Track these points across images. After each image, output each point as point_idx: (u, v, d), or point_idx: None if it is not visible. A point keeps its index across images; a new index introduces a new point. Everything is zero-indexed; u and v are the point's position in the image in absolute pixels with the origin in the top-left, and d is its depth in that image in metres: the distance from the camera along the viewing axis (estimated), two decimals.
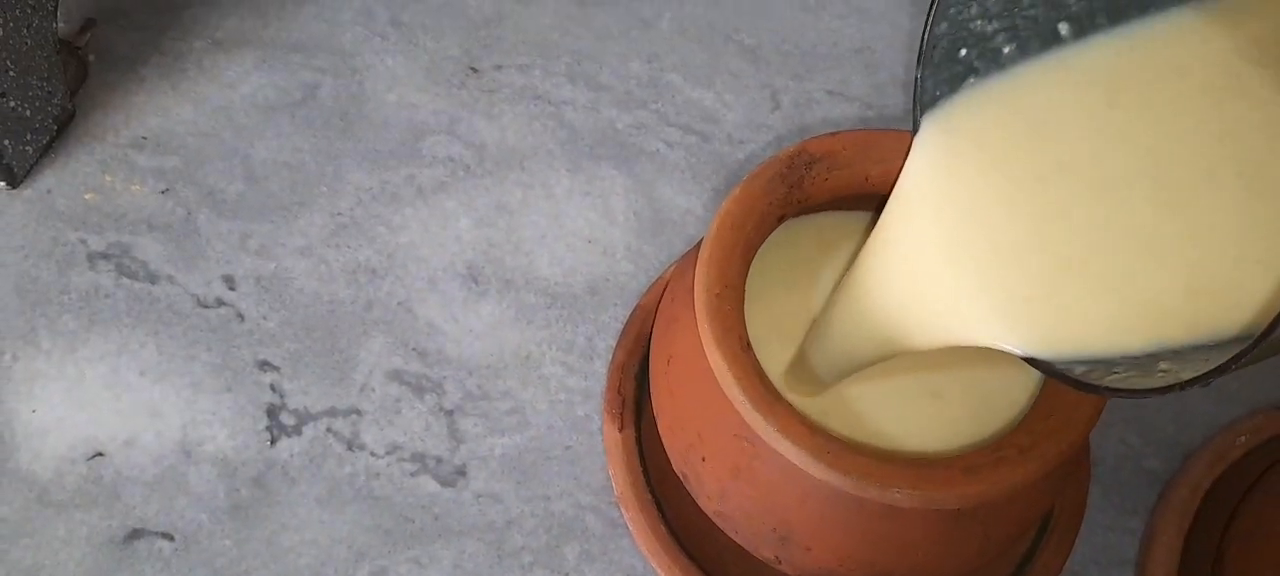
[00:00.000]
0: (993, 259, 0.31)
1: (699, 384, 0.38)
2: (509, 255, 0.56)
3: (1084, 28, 0.31)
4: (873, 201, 0.41)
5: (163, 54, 0.62)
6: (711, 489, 0.39)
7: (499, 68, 0.62)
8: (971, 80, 0.33)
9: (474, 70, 0.61)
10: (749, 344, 0.37)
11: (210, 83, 0.60)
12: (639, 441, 0.46)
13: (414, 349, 0.53)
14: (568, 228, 0.57)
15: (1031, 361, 0.31)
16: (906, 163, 0.34)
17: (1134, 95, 0.30)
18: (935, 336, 0.33)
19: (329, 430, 0.51)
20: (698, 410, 0.39)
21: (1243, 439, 0.46)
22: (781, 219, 0.40)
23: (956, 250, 0.31)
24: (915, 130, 0.34)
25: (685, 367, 0.40)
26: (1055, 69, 0.31)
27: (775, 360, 0.39)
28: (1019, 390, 0.38)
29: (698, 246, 0.46)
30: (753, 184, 0.40)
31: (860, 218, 0.42)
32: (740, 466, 0.37)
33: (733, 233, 0.38)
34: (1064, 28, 0.32)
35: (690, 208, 0.58)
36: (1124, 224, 0.29)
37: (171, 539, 0.49)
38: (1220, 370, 0.22)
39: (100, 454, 0.51)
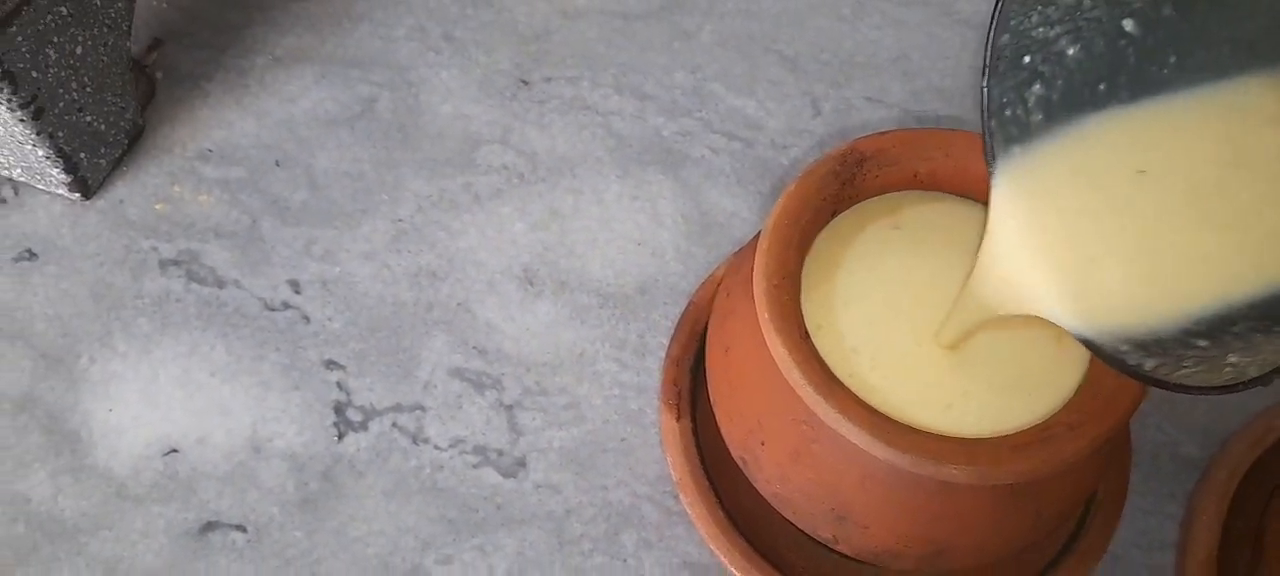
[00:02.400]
0: (1079, 266, 0.32)
1: (758, 371, 0.40)
2: (562, 258, 0.58)
3: (1150, 23, 0.33)
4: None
5: (226, 70, 0.64)
6: (771, 472, 0.41)
7: (548, 80, 0.64)
8: (1038, 116, 0.34)
9: (525, 82, 0.64)
10: (807, 331, 0.39)
11: (272, 97, 0.63)
12: (695, 430, 0.48)
13: (474, 347, 0.55)
14: (618, 231, 0.59)
15: (1109, 359, 0.32)
16: (990, 215, 0.35)
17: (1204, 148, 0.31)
18: (1025, 309, 0.34)
19: (394, 425, 0.53)
20: (757, 396, 0.41)
21: (1279, 423, 0.48)
22: (835, 213, 0.42)
23: (1048, 269, 0.33)
24: (986, 137, 0.35)
25: (744, 356, 0.42)
26: (1126, 124, 0.33)
27: (832, 344, 0.40)
28: (1067, 377, 0.39)
29: (750, 244, 0.48)
30: (808, 180, 0.42)
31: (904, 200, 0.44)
32: (800, 449, 0.39)
33: (789, 226, 0.40)
34: (1130, 23, 0.33)
35: (736, 210, 0.60)
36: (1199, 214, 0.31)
37: (244, 530, 0.52)
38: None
39: (174, 450, 0.53)
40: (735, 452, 0.42)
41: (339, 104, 0.63)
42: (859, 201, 0.43)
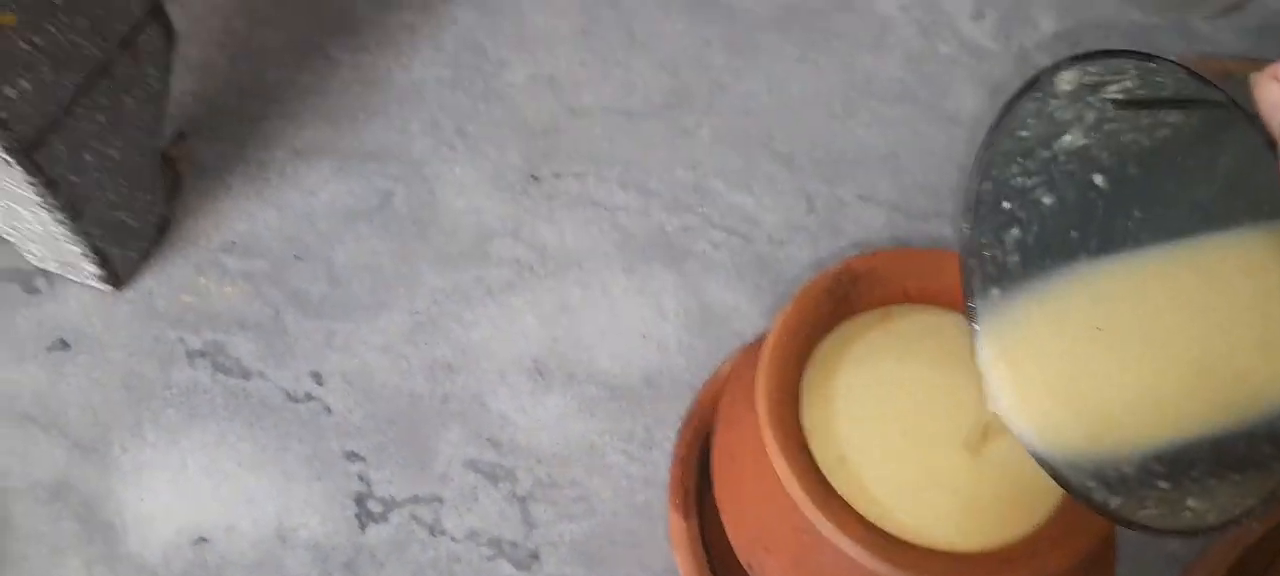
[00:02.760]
0: (1048, 403, 0.36)
1: (762, 481, 0.43)
2: (571, 350, 0.61)
3: (1118, 180, 0.35)
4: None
5: (247, 164, 0.67)
6: None
7: (557, 175, 0.67)
8: (1015, 258, 0.37)
9: (535, 178, 0.67)
10: (807, 446, 0.42)
11: (293, 190, 0.66)
12: (702, 530, 0.51)
13: (488, 439, 0.58)
14: (624, 324, 0.62)
15: (1077, 493, 0.35)
16: (979, 357, 0.37)
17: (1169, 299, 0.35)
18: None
19: (413, 516, 0.56)
20: (761, 505, 0.44)
21: (1257, 524, 0.51)
22: (830, 328, 0.46)
23: (1022, 404, 0.36)
24: (965, 276, 0.37)
25: (748, 465, 0.45)
26: (1101, 275, 0.36)
27: (829, 450, 0.43)
28: (1051, 492, 0.43)
29: (752, 348, 0.51)
30: (804, 299, 0.45)
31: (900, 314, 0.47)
32: (801, 558, 0.42)
33: (789, 343, 0.44)
34: (1099, 178, 0.37)
35: (736, 304, 0.63)
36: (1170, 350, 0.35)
37: None
38: (1239, 519, 0.27)
39: (204, 539, 0.56)
40: (742, 557, 0.45)
41: (357, 197, 0.66)
42: (853, 316, 0.46)
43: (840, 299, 0.46)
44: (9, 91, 0.48)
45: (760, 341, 0.51)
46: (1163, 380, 0.34)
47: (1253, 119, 0.31)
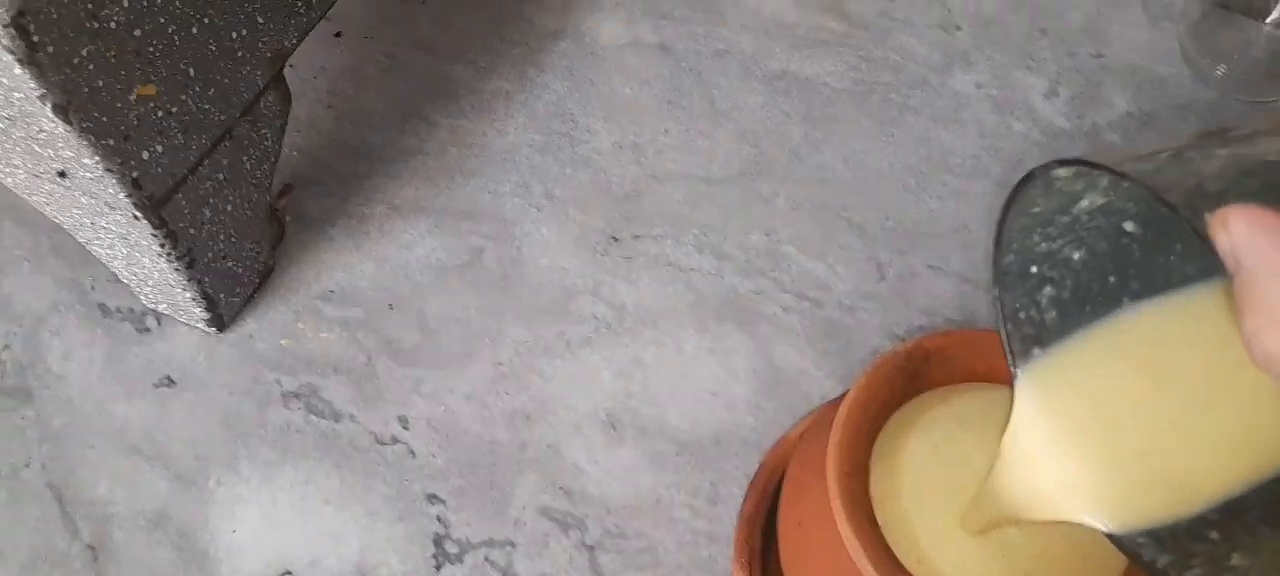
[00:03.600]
0: (1093, 466, 0.36)
1: (828, 549, 0.45)
2: (644, 405, 0.64)
3: (1149, 221, 0.34)
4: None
5: (348, 216, 0.72)
6: None
7: (637, 238, 0.70)
8: (1053, 313, 0.37)
9: (615, 239, 0.70)
10: (875, 519, 0.43)
11: (390, 244, 0.70)
12: None
13: (561, 488, 0.61)
14: (695, 382, 0.64)
15: (1127, 551, 0.35)
16: (1013, 413, 0.38)
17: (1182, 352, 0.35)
18: (1051, 515, 0.38)
19: (487, 559, 0.59)
20: (827, 571, 0.45)
21: None
22: (900, 404, 0.47)
23: (1069, 466, 0.36)
24: (1006, 344, 0.37)
25: (815, 532, 0.46)
26: (1113, 332, 0.35)
27: (896, 521, 0.45)
28: (1111, 562, 0.43)
29: (822, 413, 0.53)
30: (876, 375, 0.47)
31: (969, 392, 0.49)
32: None
33: (860, 418, 0.45)
34: (1130, 225, 0.35)
35: (804, 368, 0.65)
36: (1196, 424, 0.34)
37: None
38: None
39: (289, 572, 0.59)
40: None
41: (449, 253, 0.70)
42: (922, 392, 0.48)
43: (911, 375, 0.47)
44: (145, 155, 0.52)
45: (830, 407, 0.53)
46: (1220, 423, 0.33)
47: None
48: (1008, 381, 0.48)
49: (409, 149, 0.75)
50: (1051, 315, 0.37)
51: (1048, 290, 0.37)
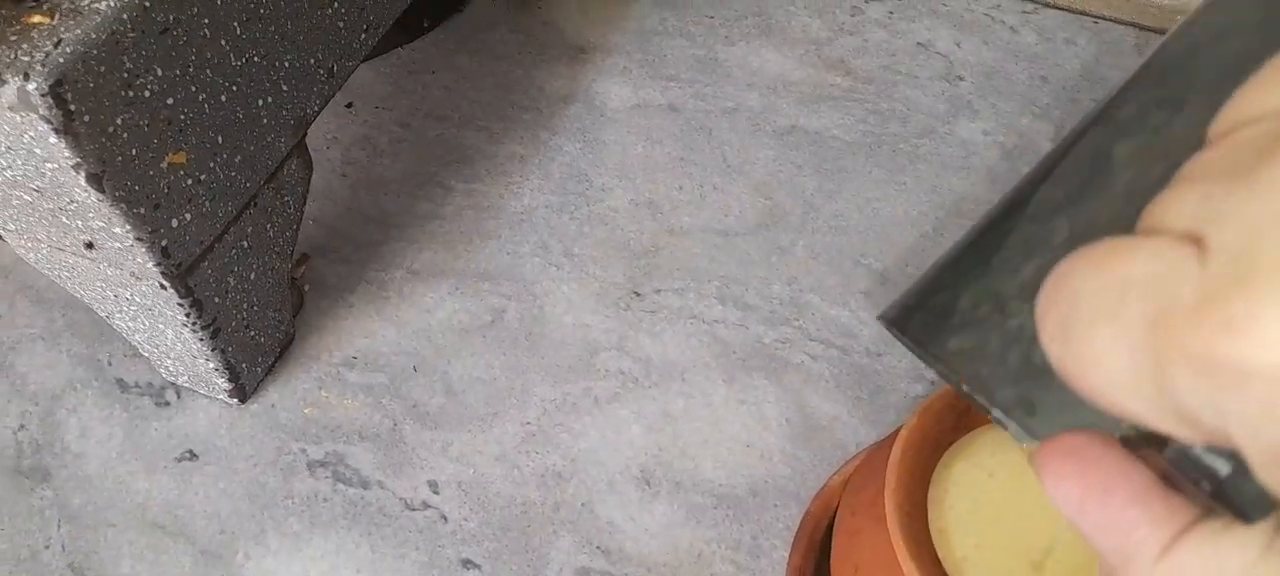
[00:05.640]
0: None
1: None
2: (676, 459, 0.63)
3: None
4: None
5: (368, 282, 0.71)
6: None
7: (658, 291, 0.70)
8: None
9: (637, 294, 0.70)
10: (939, 559, 0.43)
11: (411, 308, 0.70)
12: None
13: (598, 547, 0.60)
14: (727, 433, 0.64)
15: None
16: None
17: None
18: None
19: None
20: None
21: None
22: (954, 441, 0.47)
23: None
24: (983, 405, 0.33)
25: None
26: None
27: (963, 555, 0.44)
28: None
29: (866, 457, 0.52)
30: (926, 415, 0.46)
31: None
32: None
33: (914, 458, 0.45)
34: None
35: (836, 415, 0.64)
36: None
37: None
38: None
39: None
40: None
41: (471, 315, 0.69)
42: (973, 431, 0.48)
43: (962, 412, 0.47)
44: (174, 222, 0.52)
45: (874, 451, 0.52)
46: None
47: None
48: None
49: (425, 214, 0.75)
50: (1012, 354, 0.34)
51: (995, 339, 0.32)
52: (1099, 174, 0.23)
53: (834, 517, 0.54)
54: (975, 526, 0.45)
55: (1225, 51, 0.23)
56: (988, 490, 0.46)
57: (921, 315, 0.24)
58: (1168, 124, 0.22)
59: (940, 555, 0.43)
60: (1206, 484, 0.18)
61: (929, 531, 0.43)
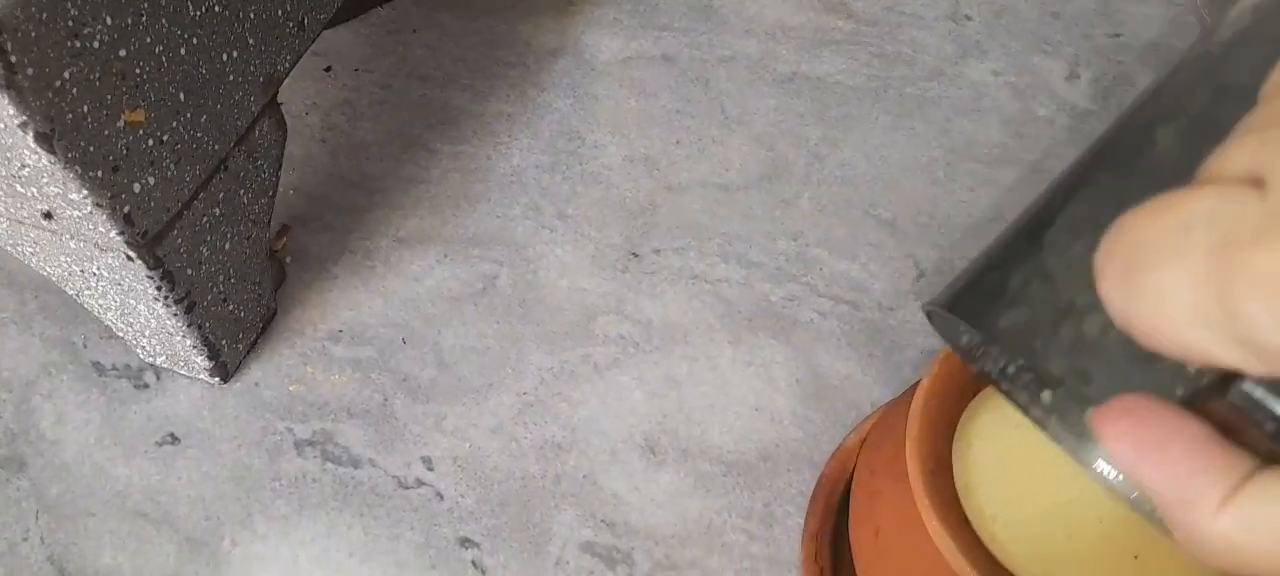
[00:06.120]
0: None
1: (915, 554, 0.41)
2: (682, 425, 0.60)
3: None
4: None
5: (352, 252, 0.68)
6: None
7: (657, 251, 0.67)
8: None
9: (635, 255, 0.66)
10: (967, 518, 0.39)
11: (397, 277, 0.66)
12: None
13: (603, 520, 0.56)
14: (734, 397, 0.61)
15: None
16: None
17: None
18: None
19: None
20: None
21: None
22: (977, 391, 0.43)
23: None
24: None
25: (898, 539, 0.42)
26: None
27: (984, 518, 0.41)
28: None
29: (883, 414, 0.49)
30: (946, 365, 0.43)
31: None
32: None
33: (937, 409, 0.42)
34: None
35: (849, 373, 0.61)
36: None
37: None
38: None
39: None
40: None
41: (461, 282, 0.66)
42: None
43: None
44: (136, 187, 0.49)
45: (891, 408, 0.49)
46: None
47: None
48: None
49: (410, 178, 0.71)
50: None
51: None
52: (1145, 155, 0.23)
53: (851, 480, 0.51)
54: (1004, 481, 0.42)
55: (1266, 37, 0.22)
56: (1016, 442, 0.43)
57: (971, 296, 0.24)
58: (1212, 106, 0.22)
59: (968, 513, 0.40)
60: (1270, 424, 0.18)
61: (955, 489, 0.40)
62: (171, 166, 0.51)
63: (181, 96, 0.49)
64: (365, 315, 0.65)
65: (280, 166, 0.60)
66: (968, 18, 0.80)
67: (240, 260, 0.60)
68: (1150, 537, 0.40)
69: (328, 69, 0.78)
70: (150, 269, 0.52)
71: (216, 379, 0.63)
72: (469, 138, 0.73)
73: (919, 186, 0.69)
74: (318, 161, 0.73)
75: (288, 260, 0.67)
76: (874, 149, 0.71)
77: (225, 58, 0.52)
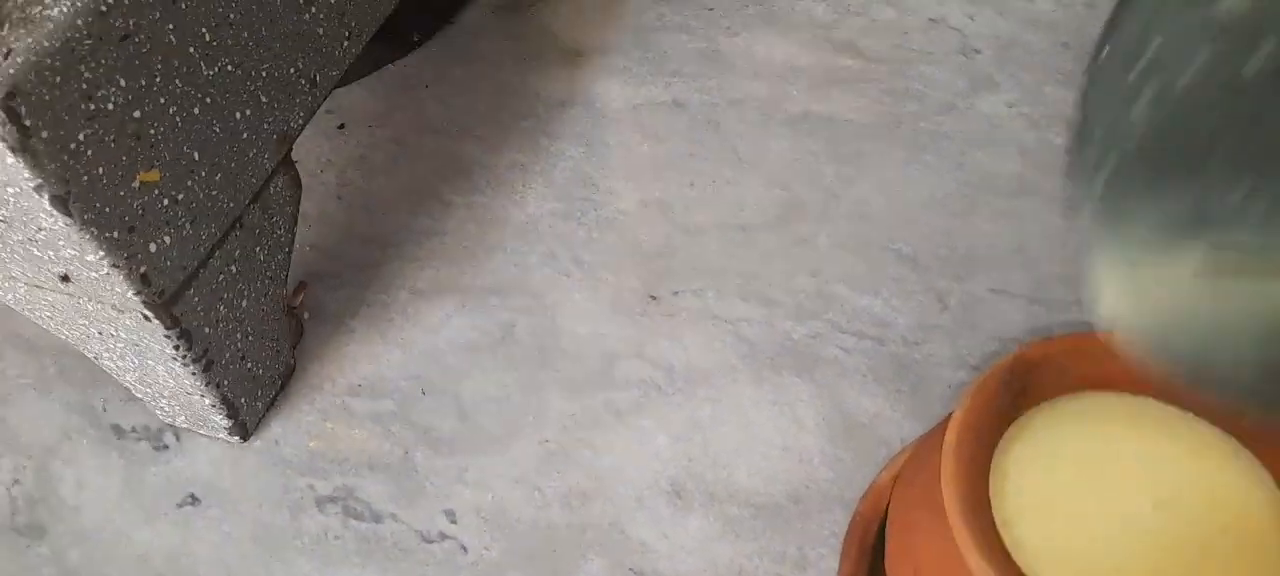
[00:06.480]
0: None
1: None
2: (708, 469, 0.59)
3: None
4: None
5: (369, 306, 0.67)
6: None
7: (676, 294, 0.66)
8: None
9: (653, 298, 0.66)
10: (1007, 551, 0.38)
11: (415, 329, 0.66)
12: None
13: (631, 569, 0.55)
14: (761, 437, 0.60)
15: None
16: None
17: None
18: None
19: None
20: None
21: None
22: (1011, 422, 0.42)
23: None
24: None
25: None
26: None
27: (1028, 540, 0.40)
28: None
29: (916, 449, 0.48)
30: (979, 396, 0.42)
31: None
32: None
33: (972, 443, 0.41)
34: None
35: (878, 410, 0.60)
36: None
37: None
38: None
39: None
40: None
41: (479, 331, 0.65)
42: (1031, 409, 0.43)
43: (1018, 392, 0.43)
44: (152, 247, 0.48)
45: (923, 443, 0.48)
46: None
47: None
48: (1123, 387, 0.44)
49: (425, 231, 0.71)
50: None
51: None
52: None
53: (885, 519, 0.50)
54: (1045, 512, 0.40)
55: None
56: (1054, 471, 0.42)
57: None
58: None
59: (1008, 546, 0.39)
60: None
61: (994, 521, 0.39)
62: (187, 225, 0.51)
63: (196, 155, 0.50)
64: (384, 368, 0.64)
65: (296, 223, 0.60)
66: (977, 52, 0.80)
67: (258, 317, 0.60)
68: (1208, 563, 0.39)
69: (341, 126, 0.79)
70: (167, 328, 0.52)
71: (236, 438, 0.62)
72: (483, 188, 0.73)
73: (938, 220, 0.68)
74: (334, 218, 0.73)
75: (305, 316, 0.67)
76: (889, 184, 0.71)
77: (238, 116, 0.52)
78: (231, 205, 0.54)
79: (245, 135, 0.53)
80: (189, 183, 0.50)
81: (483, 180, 0.73)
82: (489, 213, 0.71)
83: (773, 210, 0.70)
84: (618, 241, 0.69)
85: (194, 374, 0.56)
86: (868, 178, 0.72)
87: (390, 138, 0.77)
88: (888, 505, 0.48)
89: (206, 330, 0.55)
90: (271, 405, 0.64)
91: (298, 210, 0.60)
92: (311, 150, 0.77)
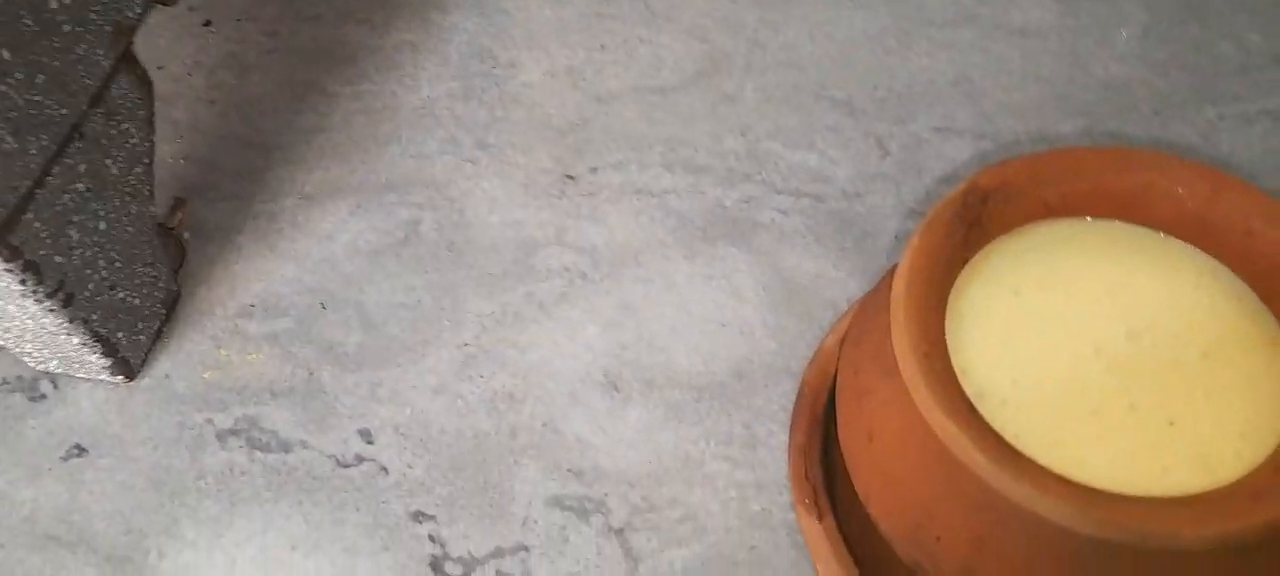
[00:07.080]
0: None
1: (916, 456, 0.36)
2: (644, 355, 0.54)
3: None
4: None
5: (256, 218, 0.61)
6: (952, 567, 0.36)
7: (594, 170, 0.60)
8: None
9: (570, 177, 0.60)
10: (970, 402, 0.34)
11: (308, 238, 0.59)
12: (840, 528, 0.43)
13: (569, 470, 0.51)
14: (698, 315, 0.55)
15: None
16: None
17: None
18: None
19: (498, 572, 0.49)
20: (920, 485, 0.36)
21: None
22: (965, 261, 0.38)
23: None
24: None
25: (894, 442, 0.37)
26: None
27: (991, 387, 0.36)
28: (1257, 432, 0.34)
29: (862, 305, 0.43)
30: (931, 232, 0.37)
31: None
32: (984, 537, 0.34)
33: (924, 286, 0.36)
34: None
35: (820, 271, 0.55)
36: None
37: None
38: None
39: None
40: (905, 554, 0.37)
41: (380, 233, 0.59)
42: (987, 244, 0.39)
43: (971, 225, 0.38)
44: None
45: (871, 297, 0.43)
46: None
47: None
48: (1089, 210, 0.40)
49: (310, 128, 0.64)
50: None
51: None
52: None
53: (835, 385, 0.45)
54: (1007, 355, 0.36)
55: None
56: (1015, 309, 0.38)
57: None
58: None
59: (970, 396, 0.35)
60: None
61: (953, 371, 0.34)
62: (8, 137, 0.43)
63: (6, 54, 0.42)
64: (278, 284, 0.58)
65: (152, 129, 0.53)
66: None
67: (124, 241, 0.53)
68: (1186, 398, 0.35)
69: (207, 23, 0.70)
70: (7, 261, 0.45)
71: (120, 378, 0.56)
72: (370, 75, 0.65)
73: (872, 59, 0.63)
74: (207, 124, 0.65)
75: (186, 236, 0.60)
76: (818, 26, 0.65)
77: (55, 5, 0.44)
78: (63, 112, 0.46)
79: (66, 28, 0.45)
80: (2, 87, 0.42)
81: (369, 66, 0.66)
82: (378, 101, 0.64)
83: (693, 67, 0.64)
84: (525, 118, 0.62)
85: (52, 310, 0.49)
86: (794, 21, 0.66)
87: (262, 30, 0.69)
88: (836, 370, 0.44)
89: (58, 259, 0.48)
90: (157, 338, 0.57)
91: (152, 114, 0.53)
92: (176, 52, 0.68)
